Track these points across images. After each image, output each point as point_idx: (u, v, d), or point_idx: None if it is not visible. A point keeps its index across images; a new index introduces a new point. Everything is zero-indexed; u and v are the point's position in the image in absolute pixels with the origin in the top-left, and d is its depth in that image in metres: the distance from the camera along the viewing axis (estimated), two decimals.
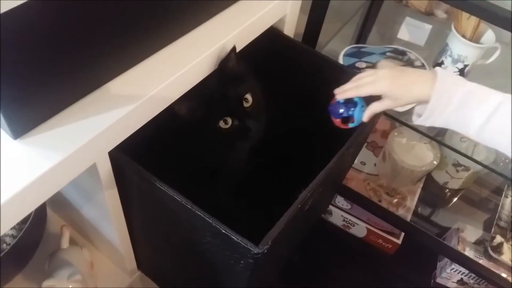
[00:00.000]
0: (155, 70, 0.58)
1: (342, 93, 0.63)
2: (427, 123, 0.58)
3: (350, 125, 0.64)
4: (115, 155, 0.55)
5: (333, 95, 0.65)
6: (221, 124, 0.65)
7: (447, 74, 0.57)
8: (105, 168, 0.55)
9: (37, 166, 0.45)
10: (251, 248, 0.50)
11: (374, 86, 0.60)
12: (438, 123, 0.57)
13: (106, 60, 0.52)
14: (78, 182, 0.59)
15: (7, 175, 0.44)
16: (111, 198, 0.60)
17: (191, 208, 0.52)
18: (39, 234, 0.74)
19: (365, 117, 0.62)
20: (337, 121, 0.66)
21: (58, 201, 0.77)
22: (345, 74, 0.76)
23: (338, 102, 0.64)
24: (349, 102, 0.63)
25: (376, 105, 0.61)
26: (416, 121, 0.59)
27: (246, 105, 0.67)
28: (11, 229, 0.73)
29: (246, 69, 0.68)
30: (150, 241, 0.73)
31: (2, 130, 0.47)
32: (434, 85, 0.55)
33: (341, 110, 0.64)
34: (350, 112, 0.63)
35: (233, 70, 0.65)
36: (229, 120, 0.65)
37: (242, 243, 0.50)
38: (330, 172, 0.60)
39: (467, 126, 0.55)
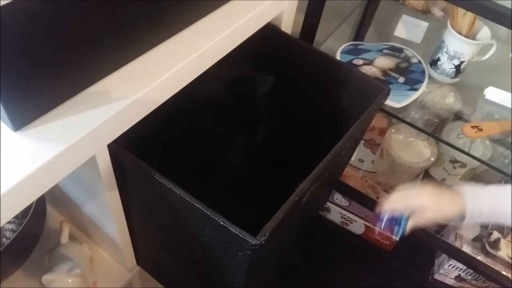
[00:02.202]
0: (154, 64, 0.58)
1: (391, 209, 0.69)
2: (469, 227, 0.65)
3: (395, 235, 0.72)
4: (114, 148, 0.55)
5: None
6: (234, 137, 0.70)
7: (471, 191, 0.66)
8: (104, 161, 0.55)
9: (37, 157, 0.46)
10: (249, 240, 0.50)
11: (416, 202, 0.68)
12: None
13: (106, 54, 0.53)
14: (78, 176, 0.59)
15: (8, 166, 0.45)
16: (110, 191, 0.61)
17: (190, 200, 0.52)
18: (38, 229, 0.75)
19: (407, 231, 0.69)
20: (384, 231, 0.74)
21: (58, 197, 0.77)
22: (343, 69, 0.77)
23: (385, 215, 0.70)
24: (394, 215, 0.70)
25: (418, 220, 0.68)
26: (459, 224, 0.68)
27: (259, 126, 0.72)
28: (11, 223, 0.73)
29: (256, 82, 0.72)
30: (149, 236, 0.74)
31: (2, 122, 0.48)
32: (464, 204, 0.65)
33: (389, 223, 0.70)
34: (396, 226, 0.70)
35: (260, 89, 0.70)
36: (242, 136, 0.71)
37: (240, 235, 0.50)
38: (327, 166, 0.61)
39: (506, 218, 0.64)
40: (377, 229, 0.73)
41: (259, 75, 0.72)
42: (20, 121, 0.47)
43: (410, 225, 0.68)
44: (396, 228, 0.70)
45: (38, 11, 0.41)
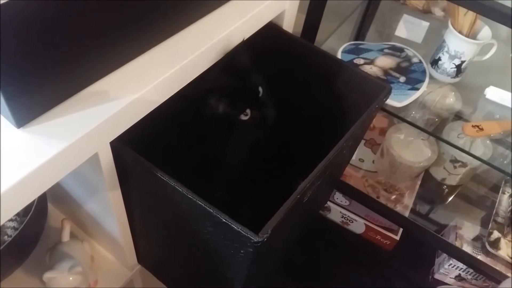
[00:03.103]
0: (156, 62, 0.58)
1: None
2: None
3: None
4: (116, 145, 0.55)
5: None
6: (242, 116, 0.67)
7: None
8: (107, 158, 0.55)
9: (41, 154, 0.46)
10: (251, 237, 0.50)
11: None
12: None
13: (108, 52, 0.53)
14: (79, 174, 0.59)
15: (11, 162, 0.45)
16: (112, 189, 0.61)
17: (192, 198, 0.53)
18: (40, 227, 0.75)
19: None
20: None
21: (59, 195, 0.77)
22: (344, 69, 0.77)
23: None
24: None
25: None
26: None
27: (259, 96, 0.69)
28: (13, 221, 0.74)
29: (250, 60, 0.70)
30: (150, 233, 0.74)
31: (5, 119, 0.48)
32: None
33: None
34: None
35: (243, 62, 0.67)
36: (249, 112, 0.67)
37: (243, 232, 0.51)
38: (328, 164, 0.61)
39: None
40: None
41: (260, 73, 0.72)
42: (23, 118, 0.48)
43: None
44: None
45: (39, 8, 0.41)
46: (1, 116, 0.48)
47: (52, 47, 0.45)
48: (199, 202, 0.52)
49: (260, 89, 0.69)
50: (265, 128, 0.70)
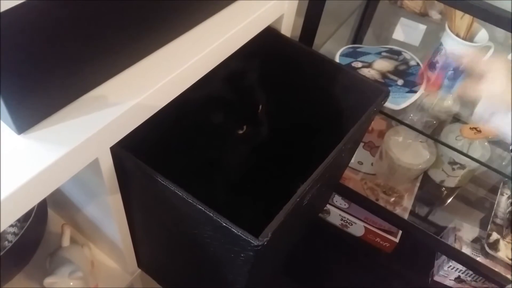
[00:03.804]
0: (155, 67, 0.59)
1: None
2: None
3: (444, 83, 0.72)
4: (116, 150, 0.55)
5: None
6: (238, 130, 0.69)
7: None
8: (107, 163, 0.56)
9: (42, 159, 0.46)
10: (251, 241, 0.51)
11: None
12: None
13: (108, 58, 0.53)
14: (79, 179, 0.60)
15: (13, 168, 0.45)
16: (112, 194, 0.61)
17: (192, 202, 0.53)
18: (40, 232, 0.75)
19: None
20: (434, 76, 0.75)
21: (59, 200, 0.77)
22: (342, 72, 0.78)
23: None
24: None
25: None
26: None
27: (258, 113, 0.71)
28: (13, 226, 0.74)
29: (255, 77, 0.71)
30: (150, 238, 0.74)
31: (6, 125, 0.48)
32: None
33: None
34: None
35: (247, 80, 0.69)
36: (245, 127, 0.69)
37: (243, 236, 0.51)
38: (328, 167, 0.61)
39: None
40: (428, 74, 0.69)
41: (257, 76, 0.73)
42: (23, 124, 0.48)
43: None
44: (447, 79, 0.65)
45: (39, 15, 0.41)
46: (2, 122, 0.48)
47: (53, 54, 0.46)
48: (199, 206, 0.52)
49: (260, 107, 0.70)
50: (254, 143, 0.73)
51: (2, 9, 0.37)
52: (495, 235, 1.06)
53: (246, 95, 0.69)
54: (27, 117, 0.48)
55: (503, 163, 1.06)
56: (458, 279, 1.14)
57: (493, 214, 1.09)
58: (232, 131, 0.69)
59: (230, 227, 0.51)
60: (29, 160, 0.46)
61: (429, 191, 1.21)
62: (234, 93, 0.68)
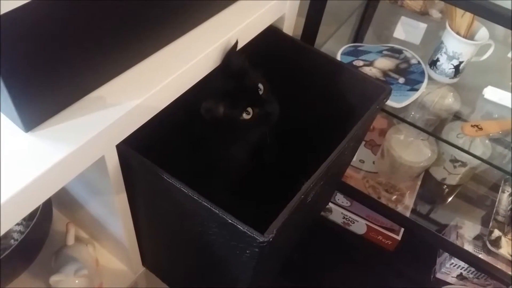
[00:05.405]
0: (160, 66, 0.59)
1: None
2: None
3: None
4: (122, 148, 0.56)
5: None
6: (244, 116, 0.67)
7: None
8: (113, 161, 0.56)
9: (48, 157, 0.46)
10: (257, 237, 0.51)
11: None
12: None
13: (112, 57, 0.54)
14: (85, 177, 0.60)
15: (20, 166, 0.45)
16: (118, 192, 0.62)
17: (198, 199, 0.53)
18: (45, 231, 0.75)
19: None
20: None
21: (64, 199, 0.78)
22: (344, 70, 0.78)
23: None
24: None
25: None
26: None
27: (260, 93, 0.69)
28: (19, 225, 0.74)
29: (247, 60, 0.71)
30: (155, 236, 0.74)
31: (13, 123, 0.49)
32: None
33: None
34: None
35: (239, 62, 0.68)
36: (250, 110, 0.67)
37: (248, 232, 0.51)
38: (331, 165, 0.62)
39: None
40: None
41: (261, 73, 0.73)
42: (31, 122, 0.48)
43: None
44: None
45: (46, 15, 0.42)
46: (10, 120, 0.49)
47: (59, 54, 0.46)
48: (205, 203, 0.53)
49: (260, 86, 0.69)
50: (269, 124, 0.71)
51: (8, 10, 0.38)
52: (496, 232, 1.07)
53: (241, 78, 0.68)
54: (34, 115, 0.48)
55: (504, 161, 1.07)
56: (460, 276, 1.15)
57: (494, 211, 1.09)
58: (238, 118, 0.67)
59: (236, 224, 0.52)
60: (36, 158, 0.46)
61: (431, 189, 1.22)
62: (228, 80, 0.67)
